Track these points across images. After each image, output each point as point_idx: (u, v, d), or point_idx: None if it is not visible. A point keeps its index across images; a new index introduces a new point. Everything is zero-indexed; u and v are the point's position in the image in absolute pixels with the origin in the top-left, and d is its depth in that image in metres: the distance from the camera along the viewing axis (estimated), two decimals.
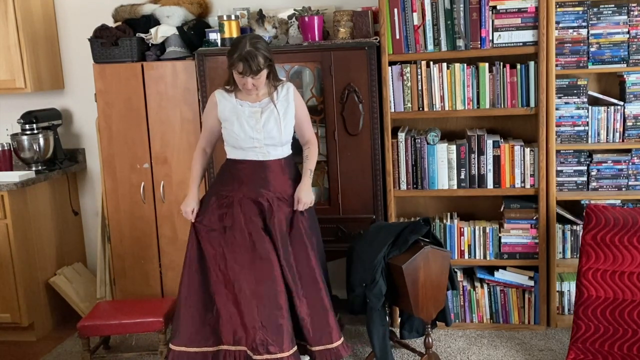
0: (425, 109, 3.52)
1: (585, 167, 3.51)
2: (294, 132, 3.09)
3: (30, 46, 3.94)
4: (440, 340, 3.52)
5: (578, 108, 3.46)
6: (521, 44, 3.39)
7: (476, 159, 3.52)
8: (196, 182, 3.11)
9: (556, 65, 3.38)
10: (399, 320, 3.54)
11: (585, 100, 3.46)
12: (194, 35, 3.75)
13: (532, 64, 3.39)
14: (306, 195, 3.00)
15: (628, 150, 3.49)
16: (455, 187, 3.56)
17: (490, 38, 3.41)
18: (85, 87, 4.15)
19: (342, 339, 2.97)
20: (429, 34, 3.44)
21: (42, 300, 3.92)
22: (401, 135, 3.55)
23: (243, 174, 2.99)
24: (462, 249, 3.61)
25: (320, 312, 2.94)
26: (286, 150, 3.05)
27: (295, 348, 2.86)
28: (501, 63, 3.43)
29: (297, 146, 3.18)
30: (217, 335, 2.92)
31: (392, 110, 3.54)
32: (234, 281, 2.89)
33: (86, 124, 4.26)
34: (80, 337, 3.35)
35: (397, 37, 3.46)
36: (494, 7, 3.38)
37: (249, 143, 2.94)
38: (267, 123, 2.94)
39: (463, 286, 3.62)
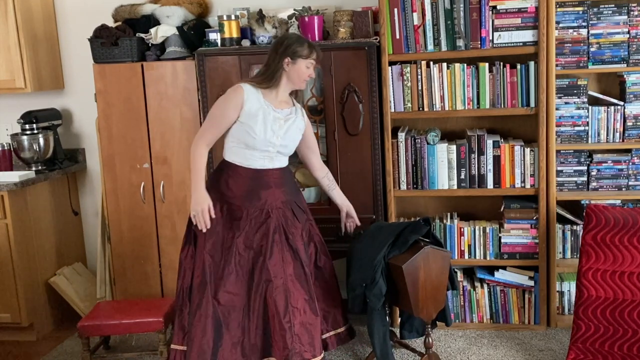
0: (425, 109, 3.52)
1: (585, 167, 3.51)
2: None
3: (30, 46, 3.94)
4: (440, 340, 3.52)
5: (578, 108, 3.46)
6: (521, 44, 3.39)
7: (476, 159, 3.52)
8: (203, 181, 2.90)
9: (556, 65, 3.38)
10: (398, 320, 3.53)
11: (585, 100, 3.46)
12: (194, 35, 3.75)
13: (532, 64, 3.39)
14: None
15: (628, 150, 3.49)
16: (455, 187, 3.56)
17: (490, 38, 3.41)
18: (85, 87, 4.15)
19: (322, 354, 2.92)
20: (429, 34, 3.44)
21: (42, 300, 3.93)
22: (401, 135, 3.55)
23: (257, 183, 2.94)
24: (462, 249, 3.61)
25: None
26: (286, 161, 3.08)
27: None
28: (501, 63, 3.43)
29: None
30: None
31: (392, 110, 3.54)
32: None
33: (86, 124, 4.27)
34: (80, 337, 3.35)
35: (397, 37, 3.46)
36: (494, 7, 3.38)
37: (264, 146, 2.91)
38: (288, 131, 2.96)
39: (463, 286, 3.62)
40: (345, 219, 3.32)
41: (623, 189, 3.49)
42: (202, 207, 2.85)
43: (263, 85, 2.93)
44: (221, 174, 3.00)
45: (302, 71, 2.93)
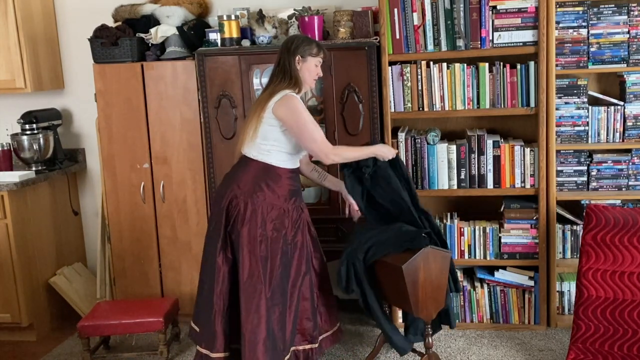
0: (425, 109, 3.52)
1: (585, 167, 3.51)
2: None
3: (30, 46, 3.94)
4: (440, 340, 3.52)
5: (578, 108, 3.46)
6: (521, 44, 3.39)
7: (476, 159, 3.52)
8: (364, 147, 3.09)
9: (556, 65, 3.38)
10: (399, 321, 3.54)
11: (585, 100, 3.46)
12: (194, 35, 3.75)
13: (532, 64, 3.39)
14: None
15: (628, 150, 3.49)
16: (455, 187, 3.56)
17: (490, 38, 3.41)
18: (85, 87, 4.15)
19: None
20: (429, 34, 3.44)
21: (42, 300, 3.92)
22: (401, 135, 3.55)
23: (297, 185, 3.04)
24: (462, 249, 3.61)
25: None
26: None
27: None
28: (501, 63, 3.43)
29: None
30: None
31: (392, 110, 3.54)
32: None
33: (86, 124, 4.27)
34: (80, 337, 3.35)
35: (397, 37, 3.46)
36: (494, 7, 3.38)
37: (302, 150, 2.98)
38: None
39: (463, 286, 3.62)
40: (346, 206, 3.28)
41: (623, 189, 3.49)
42: (394, 150, 3.11)
43: (297, 91, 2.93)
44: (259, 178, 2.91)
45: (312, 69, 2.96)
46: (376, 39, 3.47)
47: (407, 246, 2.99)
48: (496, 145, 3.49)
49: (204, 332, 2.93)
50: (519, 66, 3.41)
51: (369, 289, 3.05)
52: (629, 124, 3.44)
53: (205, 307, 2.93)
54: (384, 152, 3.07)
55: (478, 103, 3.48)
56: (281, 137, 2.89)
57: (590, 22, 3.37)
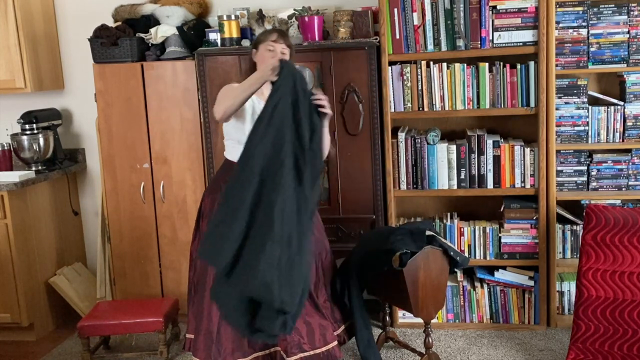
0: (425, 109, 3.52)
1: (585, 167, 3.51)
2: None
3: (30, 46, 3.94)
4: (440, 340, 3.52)
5: (578, 108, 3.47)
6: (521, 44, 3.39)
7: (476, 159, 3.52)
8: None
9: (556, 65, 3.38)
10: (399, 321, 3.53)
11: (585, 100, 3.46)
12: (193, 35, 3.75)
13: (532, 64, 3.39)
14: None
15: (628, 150, 3.49)
16: (455, 187, 3.56)
17: (490, 38, 3.41)
18: (85, 87, 4.15)
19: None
20: (429, 34, 3.44)
21: (42, 300, 3.92)
22: (401, 135, 3.55)
23: None
24: (462, 249, 3.60)
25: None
26: None
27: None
28: (501, 63, 3.43)
29: None
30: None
31: (392, 110, 3.54)
32: None
33: (86, 124, 4.27)
34: (80, 337, 3.35)
35: (397, 37, 3.46)
36: (494, 7, 3.38)
37: None
38: None
39: (463, 286, 3.62)
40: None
41: (623, 189, 3.49)
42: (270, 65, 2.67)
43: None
44: (221, 172, 3.01)
45: (264, 56, 2.89)
46: (376, 39, 3.47)
47: (387, 267, 2.99)
48: (496, 145, 3.49)
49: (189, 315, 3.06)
50: (519, 66, 3.41)
51: (358, 303, 3.08)
52: (629, 124, 3.44)
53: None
54: (264, 70, 2.66)
55: (478, 103, 3.48)
56: (232, 129, 2.89)
57: (590, 22, 3.37)
